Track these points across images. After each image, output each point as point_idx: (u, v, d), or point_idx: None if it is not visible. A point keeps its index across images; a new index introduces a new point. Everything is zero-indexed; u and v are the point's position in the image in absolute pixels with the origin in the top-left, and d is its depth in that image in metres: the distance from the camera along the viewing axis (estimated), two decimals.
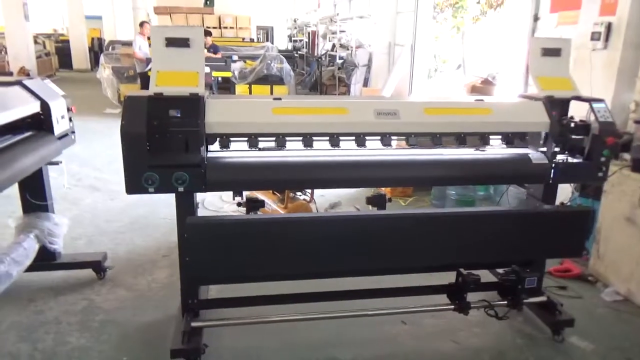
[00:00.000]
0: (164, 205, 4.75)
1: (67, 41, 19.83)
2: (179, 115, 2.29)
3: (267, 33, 21.02)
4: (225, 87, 10.87)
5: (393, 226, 2.43)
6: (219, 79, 10.69)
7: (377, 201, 2.93)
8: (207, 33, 11.46)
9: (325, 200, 5.00)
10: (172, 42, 2.40)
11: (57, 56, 18.92)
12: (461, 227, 2.48)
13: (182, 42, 2.40)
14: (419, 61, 8.97)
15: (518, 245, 2.56)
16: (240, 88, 10.60)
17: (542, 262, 3.02)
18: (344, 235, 2.37)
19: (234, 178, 2.40)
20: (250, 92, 10.55)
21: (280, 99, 2.51)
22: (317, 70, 13.37)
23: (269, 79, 10.82)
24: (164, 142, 2.23)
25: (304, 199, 4.10)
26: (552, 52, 2.81)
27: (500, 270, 2.91)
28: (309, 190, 4.08)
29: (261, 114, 2.40)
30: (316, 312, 2.74)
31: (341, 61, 11.49)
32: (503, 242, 2.53)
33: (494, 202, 5.00)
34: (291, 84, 11.13)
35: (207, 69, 9.84)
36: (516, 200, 4.08)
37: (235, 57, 10.91)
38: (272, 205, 4.06)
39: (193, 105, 2.29)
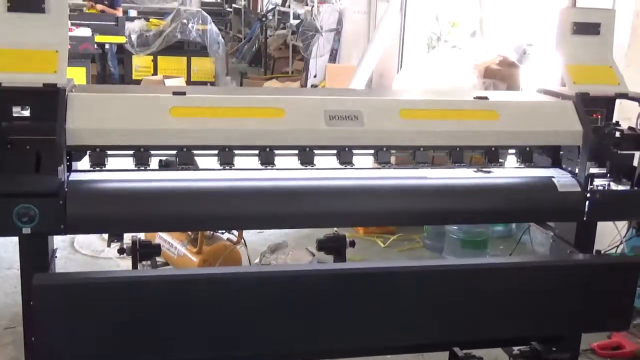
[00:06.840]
0: (9, 249, 4.70)
1: None
2: (25, 116, 2.33)
3: None
4: (119, 58, 10.86)
5: (357, 287, 2.51)
6: (114, 47, 10.64)
7: (333, 246, 3.00)
8: None
9: (263, 239, 5.04)
10: (17, 4, 2.42)
11: None
12: (456, 288, 2.58)
13: (34, 4, 2.43)
14: (413, 24, 9.16)
15: (537, 313, 2.68)
16: (140, 61, 10.60)
17: (576, 337, 3.15)
18: (284, 301, 2.43)
19: (110, 213, 2.42)
20: (155, 70, 10.58)
21: (184, 93, 2.57)
22: (261, 36, 13.48)
23: (186, 48, 10.89)
24: (0, 157, 2.25)
25: (229, 239, 4.14)
26: (588, 28, 2.94)
27: (515, 349, 3.02)
28: None
29: (153, 116, 2.45)
30: None
31: (297, 22, 11.64)
32: (514, 309, 2.64)
33: (515, 242, 5.15)
34: (220, 56, 11.18)
35: (89, 32, 9.81)
36: (544, 242, 4.23)
37: (132, 13, 10.92)
38: (180, 249, 4.09)
39: (48, 101, 2.31)
